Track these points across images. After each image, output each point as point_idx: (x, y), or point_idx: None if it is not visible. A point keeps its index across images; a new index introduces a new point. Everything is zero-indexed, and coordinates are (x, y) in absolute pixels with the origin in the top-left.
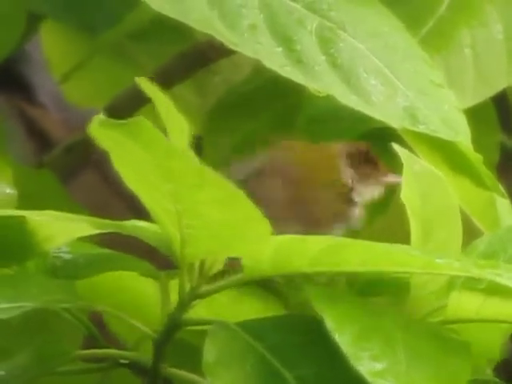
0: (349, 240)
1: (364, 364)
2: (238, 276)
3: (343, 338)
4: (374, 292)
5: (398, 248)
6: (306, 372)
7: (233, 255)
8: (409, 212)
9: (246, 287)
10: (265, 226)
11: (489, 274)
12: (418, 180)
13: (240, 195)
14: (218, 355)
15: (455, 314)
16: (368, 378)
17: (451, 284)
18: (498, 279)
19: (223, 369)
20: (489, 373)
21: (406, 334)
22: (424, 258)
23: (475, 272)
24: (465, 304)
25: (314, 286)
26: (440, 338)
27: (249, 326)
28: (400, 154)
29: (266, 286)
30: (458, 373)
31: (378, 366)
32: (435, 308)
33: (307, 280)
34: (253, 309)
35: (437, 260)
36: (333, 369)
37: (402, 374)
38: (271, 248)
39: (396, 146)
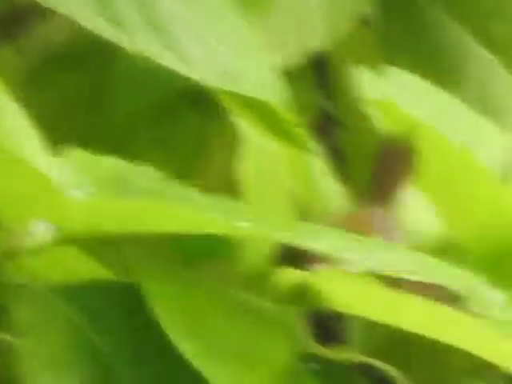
0: (155, 203)
1: (185, 343)
2: (48, 238)
3: (163, 316)
4: (197, 256)
5: (204, 209)
6: (117, 338)
7: (40, 219)
8: (243, 186)
9: (62, 250)
10: (63, 190)
11: (292, 236)
12: (256, 156)
13: (32, 163)
14: (28, 319)
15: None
16: (189, 357)
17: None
18: (302, 242)
19: (32, 333)
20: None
21: (229, 314)
22: (229, 221)
23: (280, 234)
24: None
25: (135, 250)
26: (264, 317)
27: (60, 290)
28: (238, 127)
29: (84, 248)
30: (281, 353)
31: (199, 347)
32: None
33: (125, 241)
34: (70, 272)
35: (241, 223)
36: (146, 336)
37: (224, 355)
38: (81, 209)
39: (239, 119)
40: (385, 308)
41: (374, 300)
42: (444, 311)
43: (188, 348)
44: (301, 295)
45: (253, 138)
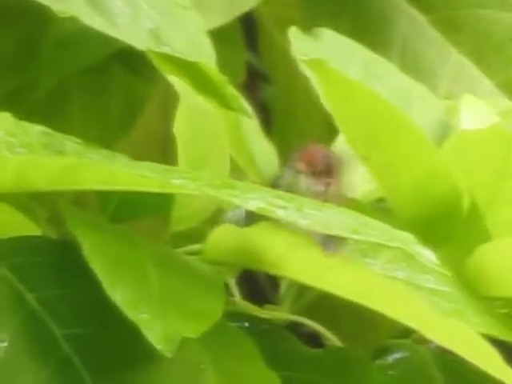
0: (85, 160)
1: (117, 292)
2: None
3: (97, 264)
4: (129, 215)
5: (136, 168)
6: (49, 293)
7: None
8: (179, 148)
9: None
10: None
11: (224, 194)
12: (192, 116)
13: None
14: None
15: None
16: (121, 306)
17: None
18: (234, 200)
19: None
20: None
21: (161, 267)
22: (159, 179)
23: (211, 192)
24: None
25: (68, 208)
26: (195, 273)
27: None
28: (176, 87)
29: (15, 204)
30: (210, 308)
31: (131, 296)
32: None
33: (56, 197)
34: (2, 228)
35: (172, 181)
36: (78, 290)
37: (155, 305)
38: (11, 167)
39: (174, 79)
40: (311, 271)
41: (301, 262)
42: (368, 276)
43: (119, 296)
44: (234, 255)
45: (188, 98)
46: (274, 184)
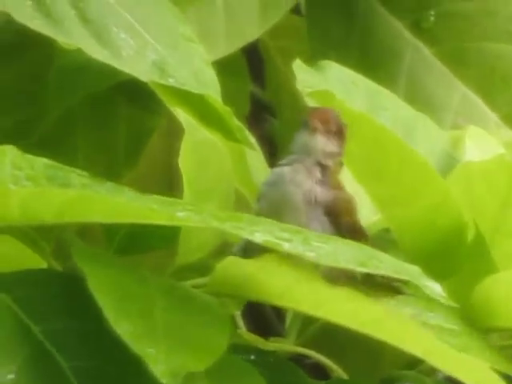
0: (90, 193)
1: (122, 326)
2: None
3: (103, 299)
4: (135, 248)
5: (141, 200)
6: (55, 326)
7: None
8: (184, 181)
9: (0, 240)
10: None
11: (230, 227)
12: (197, 148)
13: None
14: None
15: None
16: (126, 340)
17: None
18: (240, 232)
19: None
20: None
21: (166, 300)
22: (165, 211)
23: (215, 224)
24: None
25: (74, 241)
26: (200, 306)
27: None
28: (183, 121)
29: (21, 237)
30: (216, 341)
31: (136, 330)
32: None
33: (62, 230)
34: (7, 261)
35: (178, 213)
36: (84, 322)
37: (160, 339)
38: (16, 200)
39: (179, 112)
40: (315, 303)
41: (305, 294)
42: (373, 307)
43: (125, 329)
44: (239, 286)
45: (193, 131)
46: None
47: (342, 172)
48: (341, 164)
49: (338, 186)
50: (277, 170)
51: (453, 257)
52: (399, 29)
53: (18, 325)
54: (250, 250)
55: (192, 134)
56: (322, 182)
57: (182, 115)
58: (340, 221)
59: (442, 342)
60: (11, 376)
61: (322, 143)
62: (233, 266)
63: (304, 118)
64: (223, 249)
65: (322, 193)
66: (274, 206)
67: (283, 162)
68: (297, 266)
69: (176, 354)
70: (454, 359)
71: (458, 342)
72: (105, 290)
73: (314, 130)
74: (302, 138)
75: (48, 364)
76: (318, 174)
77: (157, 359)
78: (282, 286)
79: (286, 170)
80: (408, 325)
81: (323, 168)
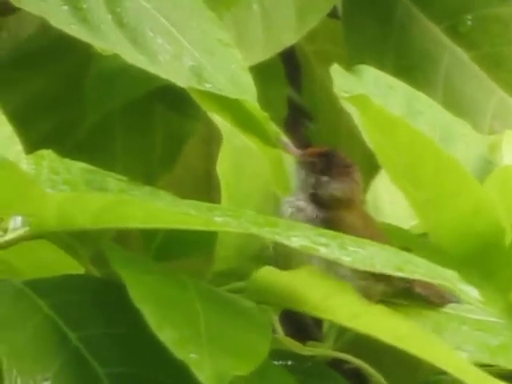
0: (128, 197)
1: (165, 333)
2: (22, 231)
3: (144, 305)
4: (173, 254)
5: (179, 205)
6: (92, 332)
7: (17, 214)
8: (222, 186)
9: (37, 244)
10: (38, 187)
11: (267, 232)
12: (235, 154)
13: (9, 163)
14: (3, 315)
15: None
16: (169, 346)
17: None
18: (277, 237)
19: (7, 329)
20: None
21: (206, 306)
22: (202, 217)
23: (253, 230)
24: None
25: (111, 246)
26: (241, 311)
27: (35, 284)
28: (220, 127)
29: (58, 242)
30: (257, 347)
31: (179, 336)
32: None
33: (99, 236)
34: (44, 266)
35: (215, 218)
36: (120, 328)
37: (203, 345)
38: (54, 205)
39: (217, 118)
40: (349, 316)
41: (339, 307)
42: (401, 323)
43: (168, 336)
44: (276, 296)
45: (231, 137)
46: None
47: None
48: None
49: (346, 215)
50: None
51: (490, 261)
52: (436, 33)
53: (55, 331)
54: (283, 255)
55: (230, 139)
56: (316, 205)
57: (220, 121)
58: None
59: (481, 340)
60: (47, 383)
61: (306, 169)
62: (269, 275)
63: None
64: (261, 253)
65: (310, 212)
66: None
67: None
68: (331, 278)
69: (220, 360)
70: (472, 373)
71: (499, 340)
72: (145, 296)
73: (297, 162)
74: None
75: (84, 370)
76: (310, 200)
77: (201, 365)
78: (317, 297)
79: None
80: (432, 340)
81: (317, 197)
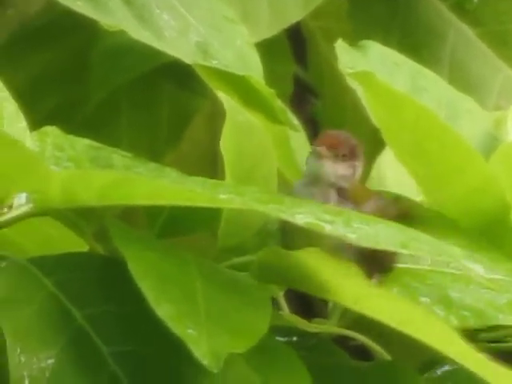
0: (133, 175)
1: (163, 308)
2: (26, 208)
3: (143, 281)
4: (177, 231)
5: (184, 182)
6: (96, 310)
7: (21, 191)
8: (226, 163)
9: (41, 221)
10: (42, 164)
11: (272, 209)
12: (239, 131)
13: (13, 140)
14: (7, 292)
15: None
16: (166, 321)
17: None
18: (282, 215)
19: (11, 306)
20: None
21: (207, 283)
22: (206, 194)
23: (257, 206)
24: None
25: (115, 223)
26: (241, 288)
27: (39, 262)
28: (224, 103)
29: (63, 219)
30: (256, 324)
31: (177, 311)
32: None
33: (103, 213)
34: (48, 243)
35: (220, 195)
36: (124, 306)
37: (201, 321)
38: (58, 182)
39: (221, 94)
40: (354, 298)
41: (345, 289)
42: (406, 307)
43: (165, 311)
44: (281, 276)
45: (235, 114)
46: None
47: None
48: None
49: (360, 201)
50: (292, 191)
51: (495, 237)
52: (442, 10)
53: (59, 309)
54: (289, 232)
55: (233, 116)
56: (340, 202)
57: (224, 97)
58: None
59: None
60: (51, 361)
61: (331, 169)
62: (275, 255)
63: (314, 144)
64: (265, 230)
65: None
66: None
67: (299, 184)
68: (337, 260)
69: (217, 336)
70: (479, 360)
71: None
72: (145, 272)
73: (320, 158)
74: (311, 165)
75: (88, 349)
76: (334, 196)
77: (198, 341)
78: (321, 278)
79: (302, 192)
80: (438, 325)
81: (339, 190)
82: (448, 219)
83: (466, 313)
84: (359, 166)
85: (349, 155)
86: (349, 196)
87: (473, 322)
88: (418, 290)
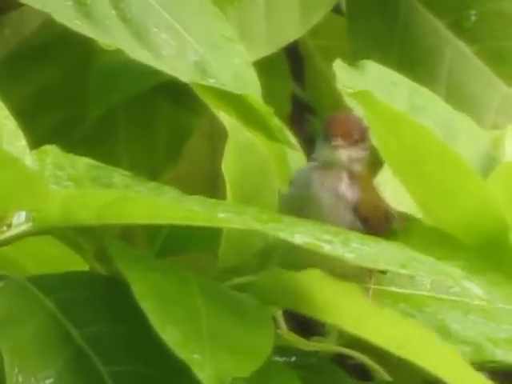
0: (132, 194)
1: (168, 332)
2: (26, 227)
3: (147, 303)
4: (177, 250)
5: (183, 201)
6: (95, 330)
7: (21, 210)
8: (227, 183)
9: (41, 240)
10: (42, 183)
11: (271, 228)
12: (240, 151)
13: (13, 159)
14: (6, 311)
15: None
16: (172, 345)
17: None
18: (280, 234)
19: (10, 325)
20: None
21: (210, 304)
22: (205, 213)
23: (256, 226)
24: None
25: (114, 243)
26: (243, 308)
27: (39, 281)
28: (225, 123)
29: (63, 238)
30: (260, 346)
31: (182, 335)
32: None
33: (103, 232)
34: (48, 262)
35: (218, 215)
36: (124, 326)
37: (205, 344)
38: (58, 201)
39: (222, 114)
40: (355, 322)
41: (346, 313)
42: (405, 331)
43: (170, 335)
44: (281, 297)
45: (236, 134)
46: (311, 159)
47: (375, 171)
48: (369, 163)
49: (368, 188)
50: (304, 172)
51: (494, 257)
52: (440, 28)
53: (58, 328)
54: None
55: (235, 135)
56: (351, 185)
57: (225, 117)
58: (368, 221)
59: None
60: (49, 381)
61: (346, 156)
62: (274, 277)
63: (325, 128)
64: (266, 250)
65: (350, 196)
66: (301, 209)
67: (309, 165)
68: (337, 282)
69: (221, 360)
70: None
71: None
72: (148, 294)
73: (336, 147)
74: (324, 150)
75: (87, 369)
76: (346, 179)
77: (202, 365)
78: (322, 301)
79: (314, 174)
80: (437, 348)
81: (351, 173)
82: (447, 235)
83: (465, 347)
84: (369, 147)
85: (360, 139)
86: (358, 179)
87: (471, 357)
88: (416, 318)
